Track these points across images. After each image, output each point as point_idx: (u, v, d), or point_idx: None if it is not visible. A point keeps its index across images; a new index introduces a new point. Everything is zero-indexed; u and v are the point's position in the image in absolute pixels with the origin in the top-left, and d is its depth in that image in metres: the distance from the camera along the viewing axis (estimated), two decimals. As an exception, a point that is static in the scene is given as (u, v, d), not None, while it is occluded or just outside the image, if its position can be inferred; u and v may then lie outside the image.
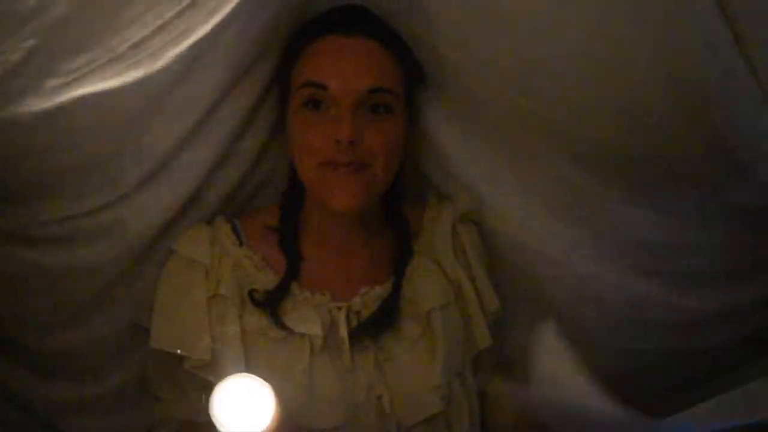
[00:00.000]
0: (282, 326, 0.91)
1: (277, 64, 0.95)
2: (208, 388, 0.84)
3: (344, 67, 0.88)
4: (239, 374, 0.77)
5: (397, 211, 1.00)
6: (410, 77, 0.95)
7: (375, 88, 0.89)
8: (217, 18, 0.83)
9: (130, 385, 1.00)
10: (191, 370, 0.90)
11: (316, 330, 0.91)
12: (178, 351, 0.90)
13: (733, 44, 0.74)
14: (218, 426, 0.75)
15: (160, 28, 0.82)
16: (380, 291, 0.96)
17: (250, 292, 0.93)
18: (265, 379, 0.84)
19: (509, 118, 0.93)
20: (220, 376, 0.87)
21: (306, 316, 0.92)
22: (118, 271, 0.94)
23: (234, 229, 0.96)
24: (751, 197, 0.91)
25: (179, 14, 0.82)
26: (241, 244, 0.95)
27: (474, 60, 0.89)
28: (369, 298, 0.95)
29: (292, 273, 0.94)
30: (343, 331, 0.92)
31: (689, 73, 0.78)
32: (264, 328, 0.92)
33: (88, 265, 0.92)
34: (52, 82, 0.79)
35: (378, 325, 0.94)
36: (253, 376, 0.77)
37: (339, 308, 0.94)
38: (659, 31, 0.76)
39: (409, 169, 1.02)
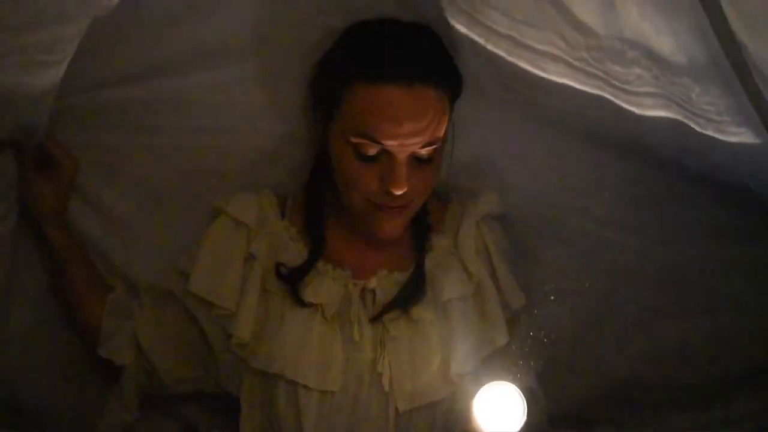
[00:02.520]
0: (299, 301, 0.99)
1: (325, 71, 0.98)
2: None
3: (402, 128, 0.89)
4: (499, 382, 0.88)
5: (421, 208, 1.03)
6: (455, 99, 0.97)
7: (428, 143, 0.91)
8: None
9: None
10: (216, 320, 1.01)
11: (327, 299, 0.99)
12: (209, 298, 1.00)
13: None
14: (478, 426, 0.87)
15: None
16: (398, 276, 1.02)
17: (277, 266, 1.01)
18: (277, 337, 0.97)
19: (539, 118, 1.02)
20: (236, 328, 0.99)
21: (322, 287, 1.00)
22: None
23: (280, 203, 1.06)
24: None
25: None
26: (282, 217, 1.05)
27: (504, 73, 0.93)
28: (386, 280, 1.02)
29: (315, 256, 1.02)
30: (356, 306, 1.00)
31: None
32: (283, 292, 1.01)
33: None
34: None
35: (393, 307, 1.00)
36: (509, 384, 0.88)
37: (355, 284, 1.01)
38: None
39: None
